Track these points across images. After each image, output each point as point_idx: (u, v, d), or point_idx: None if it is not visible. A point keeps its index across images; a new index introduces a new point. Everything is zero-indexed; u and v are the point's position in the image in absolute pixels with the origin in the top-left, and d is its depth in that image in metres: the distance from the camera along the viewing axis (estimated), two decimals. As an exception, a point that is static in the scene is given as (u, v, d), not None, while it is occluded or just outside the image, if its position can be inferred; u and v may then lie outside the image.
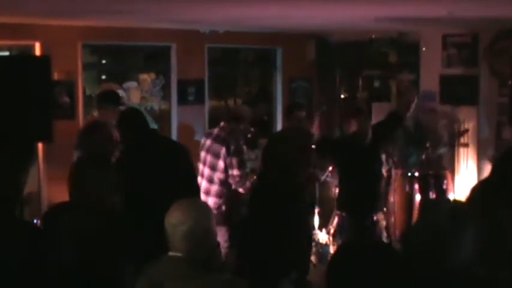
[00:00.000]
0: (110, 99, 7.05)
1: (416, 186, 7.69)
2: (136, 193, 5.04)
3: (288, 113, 7.54)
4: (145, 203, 4.97)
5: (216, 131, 6.84)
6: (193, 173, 5.71)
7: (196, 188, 5.74)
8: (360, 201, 6.16)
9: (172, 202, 3.19)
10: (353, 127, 6.23)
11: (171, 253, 3.07)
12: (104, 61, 10.15)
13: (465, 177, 8.86)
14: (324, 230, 7.73)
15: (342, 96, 11.34)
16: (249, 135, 6.83)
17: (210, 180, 6.71)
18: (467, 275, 2.62)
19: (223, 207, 6.68)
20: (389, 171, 7.93)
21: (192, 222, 3.05)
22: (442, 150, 8.10)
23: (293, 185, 4.72)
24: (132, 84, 9.60)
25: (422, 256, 2.64)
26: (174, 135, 9.56)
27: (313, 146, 7.08)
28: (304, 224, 5.14)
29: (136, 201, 5.03)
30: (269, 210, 4.58)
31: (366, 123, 6.27)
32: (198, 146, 7.05)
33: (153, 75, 9.80)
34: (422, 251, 2.64)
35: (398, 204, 7.69)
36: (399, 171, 7.95)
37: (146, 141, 5.44)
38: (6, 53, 8.47)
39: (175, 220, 3.06)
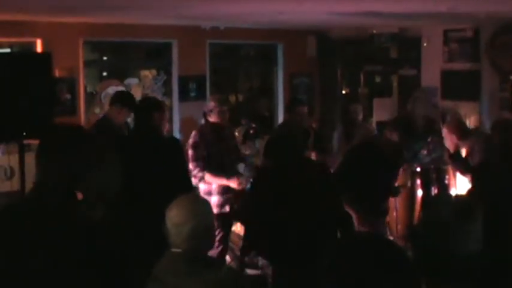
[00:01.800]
0: (124, 99, 7.06)
1: (418, 181, 7.68)
2: (130, 188, 5.03)
3: (289, 108, 7.49)
4: (139, 198, 4.97)
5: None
6: (186, 169, 5.71)
7: (190, 184, 5.72)
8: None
9: (166, 198, 3.19)
10: None
11: (173, 250, 3.07)
12: (105, 58, 10.15)
13: (467, 172, 8.86)
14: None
15: (343, 91, 11.35)
16: (251, 131, 6.79)
17: None
18: (474, 266, 2.63)
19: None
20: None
21: (195, 222, 3.04)
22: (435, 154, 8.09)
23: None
24: (133, 80, 9.61)
25: (430, 252, 2.64)
26: (176, 132, 9.57)
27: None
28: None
29: (130, 196, 5.00)
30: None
31: None
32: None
33: (154, 72, 9.81)
34: (429, 247, 2.65)
35: (400, 199, 7.67)
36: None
37: (140, 135, 5.43)
38: (8, 50, 8.47)
39: (179, 219, 3.05)
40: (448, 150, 7.07)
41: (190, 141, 6.50)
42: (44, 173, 2.96)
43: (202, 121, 6.83)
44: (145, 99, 7.17)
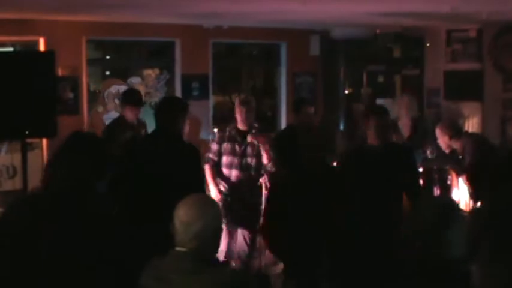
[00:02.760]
0: (133, 98, 7.17)
1: (421, 181, 7.66)
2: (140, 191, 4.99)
3: (295, 109, 7.47)
4: (148, 203, 4.89)
5: None
6: (202, 179, 5.67)
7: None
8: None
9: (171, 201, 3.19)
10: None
11: (177, 248, 3.07)
12: (108, 56, 10.15)
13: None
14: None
15: (346, 91, 11.33)
16: (253, 131, 6.79)
17: None
18: (459, 269, 2.62)
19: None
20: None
21: (204, 222, 3.03)
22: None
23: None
24: (136, 79, 9.61)
25: (419, 255, 2.64)
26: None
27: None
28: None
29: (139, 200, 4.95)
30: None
31: None
32: (203, 143, 7.10)
33: (157, 71, 9.80)
34: (413, 244, 2.64)
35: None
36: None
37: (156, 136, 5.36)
38: (11, 49, 8.48)
39: (187, 218, 3.04)
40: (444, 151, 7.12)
41: (211, 136, 6.78)
42: (65, 171, 3.12)
43: None
44: (168, 99, 7.06)
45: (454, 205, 2.78)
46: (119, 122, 7.02)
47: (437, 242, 2.58)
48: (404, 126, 8.05)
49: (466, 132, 7.72)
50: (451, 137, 6.84)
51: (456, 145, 6.83)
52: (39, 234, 3.03)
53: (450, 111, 9.37)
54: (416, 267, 2.60)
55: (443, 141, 6.96)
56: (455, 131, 6.93)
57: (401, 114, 8.09)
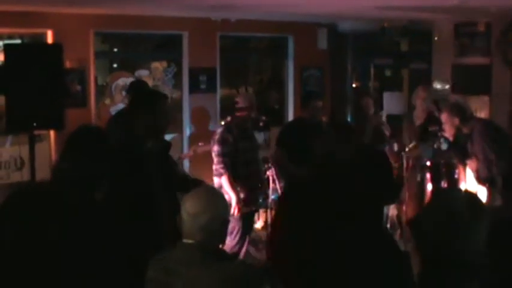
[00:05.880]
0: (129, 88, 7.16)
1: (428, 175, 7.66)
2: None
3: (304, 103, 7.45)
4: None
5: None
6: None
7: None
8: None
9: None
10: None
11: (184, 240, 3.09)
12: (115, 49, 10.16)
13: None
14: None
15: (354, 85, 11.33)
16: (261, 124, 6.80)
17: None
18: (479, 261, 2.56)
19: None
20: (401, 159, 7.89)
21: (211, 214, 3.05)
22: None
23: None
24: (143, 72, 9.61)
25: (434, 240, 2.57)
26: (186, 124, 9.57)
27: None
28: None
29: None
30: None
31: None
32: (211, 135, 7.07)
33: (164, 64, 9.80)
34: (435, 236, 2.57)
35: (409, 193, 7.67)
36: (410, 161, 7.92)
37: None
38: (19, 41, 8.49)
39: (194, 210, 3.06)
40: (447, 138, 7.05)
41: (218, 136, 6.56)
42: (69, 165, 3.13)
43: (228, 118, 6.90)
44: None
45: (477, 199, 2.71)
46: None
47: (458, 232, 2.52)
48: (418, 118, 8.06)
49: (475, 116, 7.62)
50: (460, 120, 6.73)
51: (465, 129, 6.73)
52: (36, 226, 2.99)
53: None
54: (435, 260, 2.52)
55: (451, 124, 6.82)
56: (465, 114, 6.82)
57: (416, 105, 8.09)
